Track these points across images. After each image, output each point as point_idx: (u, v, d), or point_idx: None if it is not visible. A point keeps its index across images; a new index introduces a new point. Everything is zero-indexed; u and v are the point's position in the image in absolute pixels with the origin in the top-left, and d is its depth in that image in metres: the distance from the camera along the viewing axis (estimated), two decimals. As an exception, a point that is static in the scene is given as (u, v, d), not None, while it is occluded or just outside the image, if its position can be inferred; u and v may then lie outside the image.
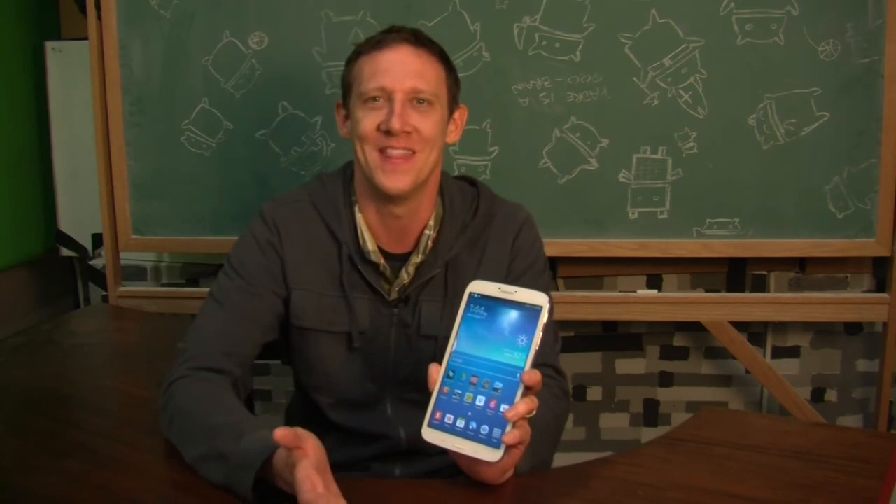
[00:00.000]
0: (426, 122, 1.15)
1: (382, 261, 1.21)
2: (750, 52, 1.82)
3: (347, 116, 1.22)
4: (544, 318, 0.92)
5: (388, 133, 1.13)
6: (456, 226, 1.23)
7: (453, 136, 1.25)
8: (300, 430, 0.89)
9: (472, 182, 1.30)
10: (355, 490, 0.97)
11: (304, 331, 1.23)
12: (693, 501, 0.95)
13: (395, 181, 1.15)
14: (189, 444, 1.03)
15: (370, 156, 1.16)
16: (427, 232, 1.22)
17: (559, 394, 1.19)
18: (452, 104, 1.22)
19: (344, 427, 1.24)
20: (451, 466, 0.98)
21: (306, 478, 0.86)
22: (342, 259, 1.21)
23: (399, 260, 1.22)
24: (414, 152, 1.15)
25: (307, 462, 0.87)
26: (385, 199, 1.18)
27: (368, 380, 1.24)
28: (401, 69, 1.14)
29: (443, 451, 0.94)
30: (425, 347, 1.21)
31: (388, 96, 1.14)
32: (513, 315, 0.94)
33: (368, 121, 1.15)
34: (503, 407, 0.91)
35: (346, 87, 1.21)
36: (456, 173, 1.34)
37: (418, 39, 1.17)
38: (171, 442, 1.08)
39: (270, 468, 0.93)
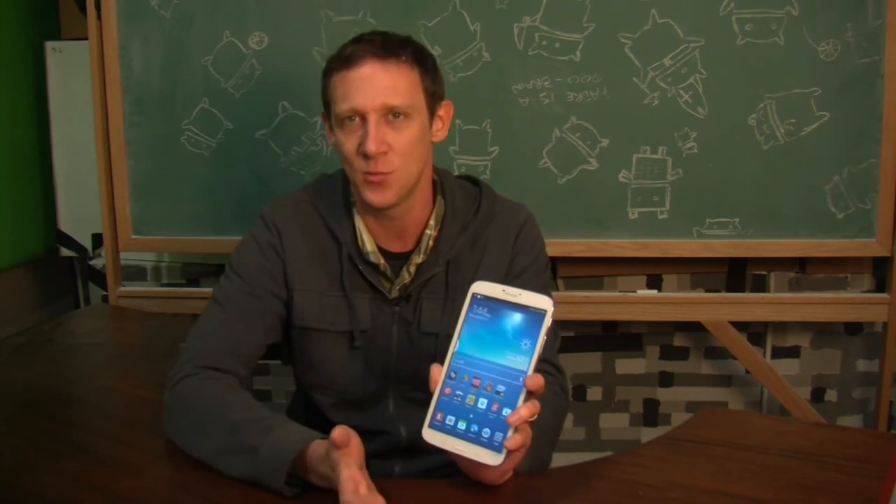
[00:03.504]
0: (403, 137, 1.14)
1: (382, 261, 1.21)
2: (750, 52, 1.82)
3: (332, 129, 1.21)
4: (548, 322, 0.92)
5: (366, 155, 1.12)
6: (457, 225, 1.23)
7: (440, 133, 1.23)
8: (349, 429, 0.92)
9: (474, 182, 1.30)
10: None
11: (306, 331, 1.23)
12: (693, 501, 0.95)
13: (379, 197, 1.15)
14: (204, 439, 1.04)
15: (354, 176, 1.16)
16: (428, 231, 1.22)
17: (558, 391, 1.19)
18: (433, 104, 1.20)
19: (344, 424, 1.24)
20: (450, 464, 0.98)
21: (350, 478, 0.89)
22: (342, 259, 1.21)
23: (400, 259, 1.22)
24: (394, 170, 1.14)
25: (352, 461, 0.90)
26: (375, 209, 1.18)
27: (371, 378, 1.24)
28: (370, 88, 1.12)
29: (443, 450, 0.94)
30: (426, 345, 1.22)
31: (362, 116, 1.13)
32: (516, 318, 0.93)
33: (349, 144, 1.15)
34: (505, 410, 0.91)
35: (325, 101, 1.20)
36: (456, 173, 1.34)
37: (386, 49, 1.14)
38: (172, 440, 1.08)
39: (302, 461, 0.96)
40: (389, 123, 1.13)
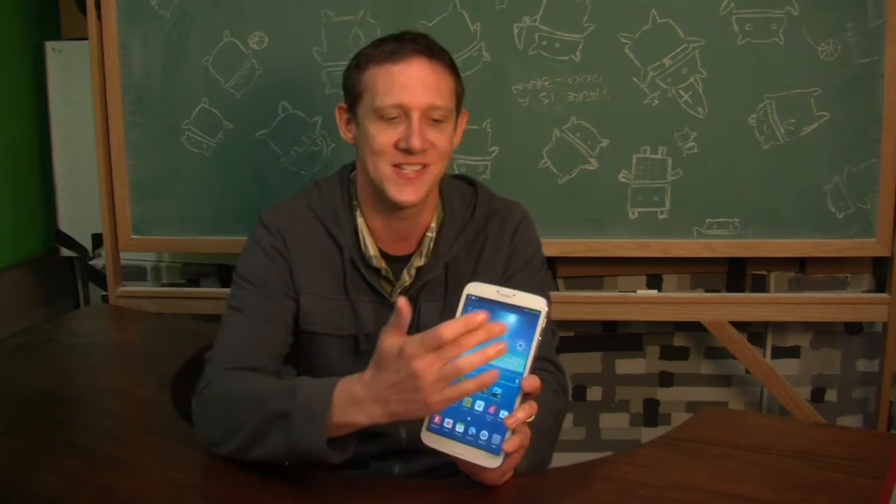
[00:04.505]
0: (441, 137, 1.15)
1: (384, 265, 1.21)
2: (750, 52, 1.82)
3: (350, 121, 1.21)
4: (543, 322, 0.91)
5: (407, 151, 1.13)
6: (455, 226, 1.23)
7: (456, 139, 1.24)
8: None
9: (469, 182, 1.30)
10: (354, 488, 0.98)
11: (313, 335, 1.23)
12: (693, 501, 0.95)
13: (407, 194, 1.15)
14: (237, 425, 0.99)
15: (383, 170, 1.15)
16: (429, 234, 1.22)
17: (557, 389, 1.19)
18: (458, 112, 1.22)
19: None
20: (450, 464, 0.97)
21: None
22: (345, 263, 1.21)
23: (400, 261, 1.22)
24: (427, 165, 1.15)
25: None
26: (394, 208, 1.18)
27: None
28: (418, 85, 1.13)
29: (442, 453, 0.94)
30: None
31: (405, 113, 1.13)
32: (511, 319, 0.92)
33: (384, 137, 1.14)
34: (502, 413, 0.91)
35: (355, 93, 1.19)
36: (455, 173, 1.34)
37: (432, 51, 1.16)
38: (211, 449, 1.04)
39: (330, 410, 0.92)
40: (429, 124, 1.14)
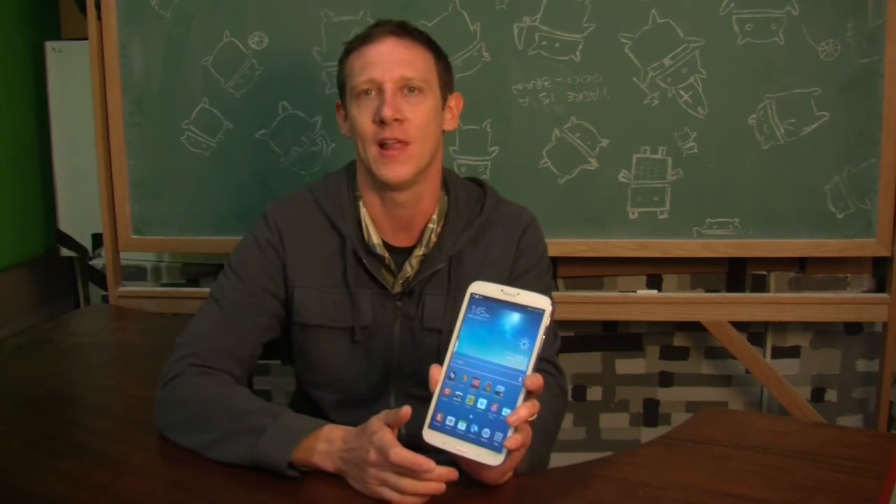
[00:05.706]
0: (418, 111, 1.16)
1: (387, 254, 1.22)
2: (750, 52, 1.82)
3: (346, 115, 1.23)
4: (546, 321, 0.92)
5: (382, 123, 1.14)
6: (460, 221, 1.24)
7: (450, 123, 1.25)
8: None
9: (479, 183, 1.31)
10: (354, 488, 0.98)
11: (307, 327, 1.23)
12: (693, 501, 0.95)
13: (395, 171, 1.16)
14: (203, 428, 1.05)
15: (370, 150, 1.17)
16: (431, 226, 1.23)
17: (557, 392, 1.20)
18: (445, 91, 1.23)
19: (345, 424, 1.24)
20: (451, 463, 0.98)
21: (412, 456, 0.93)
22: (346, 254, 1.21)
23: (403, 253, 1.23)
24: (409, 142, 1.16)
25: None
26: (387, 188, 1.19)
27: (372, 374, 1.24)
28: (388, 59, 1.16)
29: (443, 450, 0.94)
30: (429, 341, 1.22)
31: (379, 87, 1.16)
32: (515, 318, 0.93)
33: (364, 116, 1.17)
34: (505, 411, 0.91)
35: (341, 85, 1.24)
36: (456, 173, 1.35)
37: (403, 30, 1.19)
38: (163, 433, 1.09)
39: (311, 445, 0.99)
40: (405, 97, 1.16)
